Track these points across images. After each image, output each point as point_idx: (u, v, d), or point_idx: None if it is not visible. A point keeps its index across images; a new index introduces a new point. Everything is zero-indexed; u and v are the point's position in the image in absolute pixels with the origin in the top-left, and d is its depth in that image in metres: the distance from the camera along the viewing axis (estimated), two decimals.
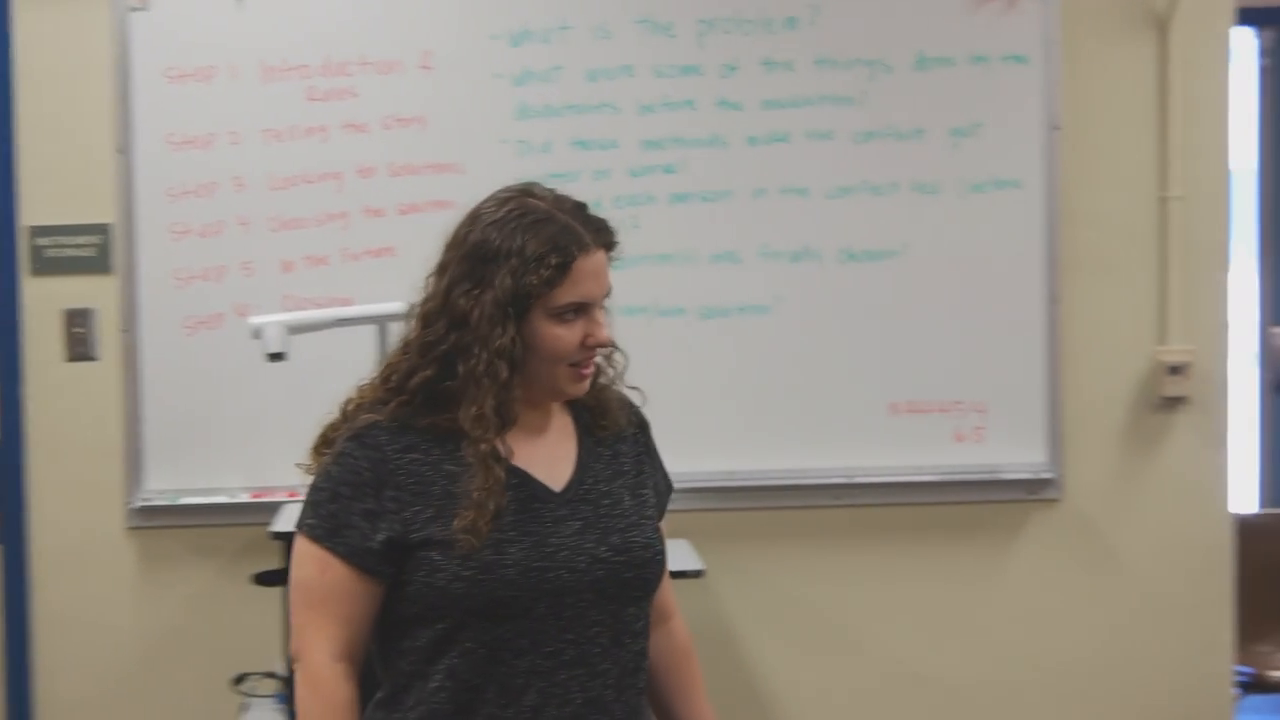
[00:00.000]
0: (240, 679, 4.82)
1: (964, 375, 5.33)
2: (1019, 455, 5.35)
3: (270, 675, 4.77)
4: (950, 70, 5.29)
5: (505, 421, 2.79)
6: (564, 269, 2.74)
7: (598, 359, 2.90)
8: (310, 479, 2.85)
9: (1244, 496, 7.42)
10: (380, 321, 4.79)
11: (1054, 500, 5.40)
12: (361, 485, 2.76)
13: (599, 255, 2.80)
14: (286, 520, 4.62)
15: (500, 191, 2.84)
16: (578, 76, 5.22)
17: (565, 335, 2.79)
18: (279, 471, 5.13)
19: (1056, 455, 5.35)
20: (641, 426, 3.05)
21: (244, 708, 4.72)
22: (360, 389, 2.89)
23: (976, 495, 5.38)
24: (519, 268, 2.73)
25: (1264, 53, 7.54)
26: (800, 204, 5.28)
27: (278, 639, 4.44)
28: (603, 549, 2.81)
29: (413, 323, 2.84)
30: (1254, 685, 5.67)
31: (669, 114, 5.25)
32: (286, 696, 4.44)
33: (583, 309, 2.79)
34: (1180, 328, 5.38)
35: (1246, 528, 5.89)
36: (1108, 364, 5.41)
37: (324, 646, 2.77)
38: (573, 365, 2.82)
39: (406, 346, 2.83)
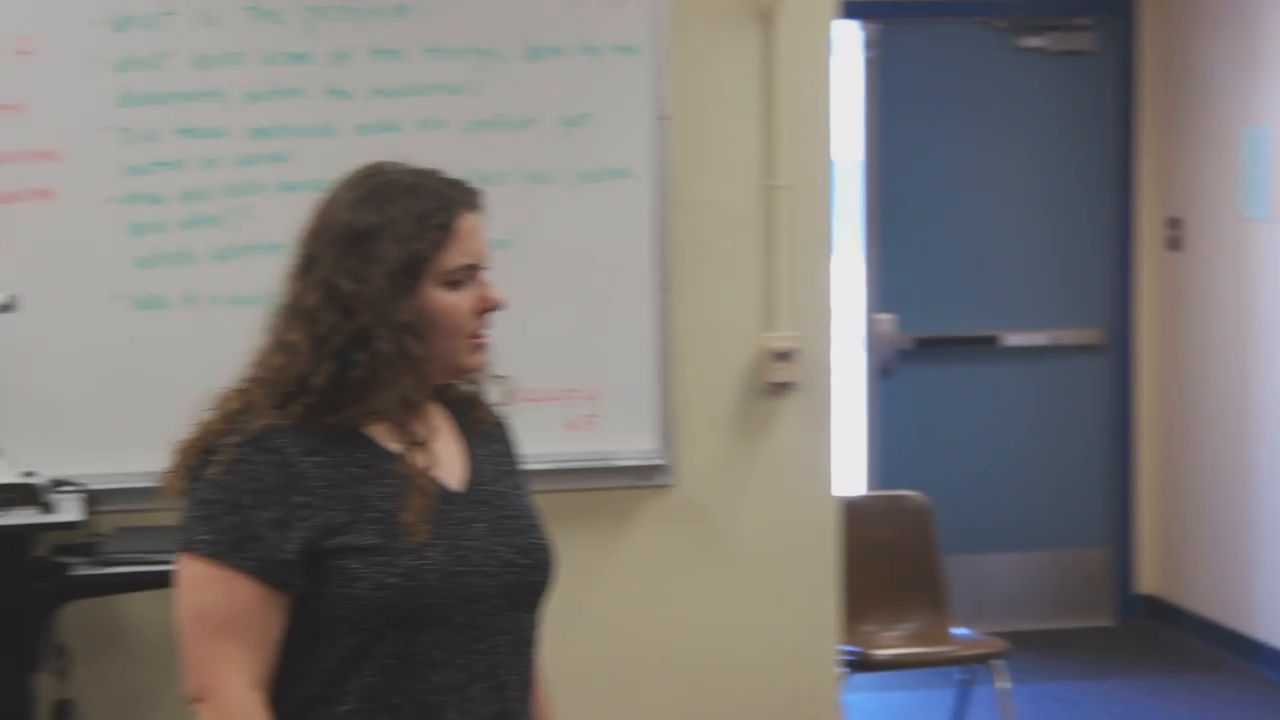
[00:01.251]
0: None
1: (576, 364, 5.37)
2: (631, 442, 5.40)
3: None
4: (560, 60, 5.32)
5: (418, 405, 2.66)
6: (448, 229, 2.64)
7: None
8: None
9: (853, 479, 7.60)
10: None
11: (666, 486, 5.47)
12: (265, 492, 2.56)
13: (474, 216, 2.70)
14: None
15: (350, 174, 2.73)
16: (184, 63, 5.13)
17: (460, 302, 2.66)
18: None
19: (668, 442, 5.41)
20: (504, 425, 2.90)
21: None
22: (238, 393, 2.67)
23: (589, 482, 5.41)
24: (404, 234, 2.61)
25: (868, 45, 7.73)
26: None
27: None
28: (509, 551, 2.68)
29: (284, 325, 2.65)
30: (859, 664, 5.80)
31: (278, 102, 5.18)
32: None
33: (472, 272, 2.68)
34: (787, 315, 5.48)
35: (853, 510, 6.03)
36: (717, 351, 5.49)
37: (239, 678, 2.54)
38: (470, 337, 2.69)
39: (289, 347, 2.63)
